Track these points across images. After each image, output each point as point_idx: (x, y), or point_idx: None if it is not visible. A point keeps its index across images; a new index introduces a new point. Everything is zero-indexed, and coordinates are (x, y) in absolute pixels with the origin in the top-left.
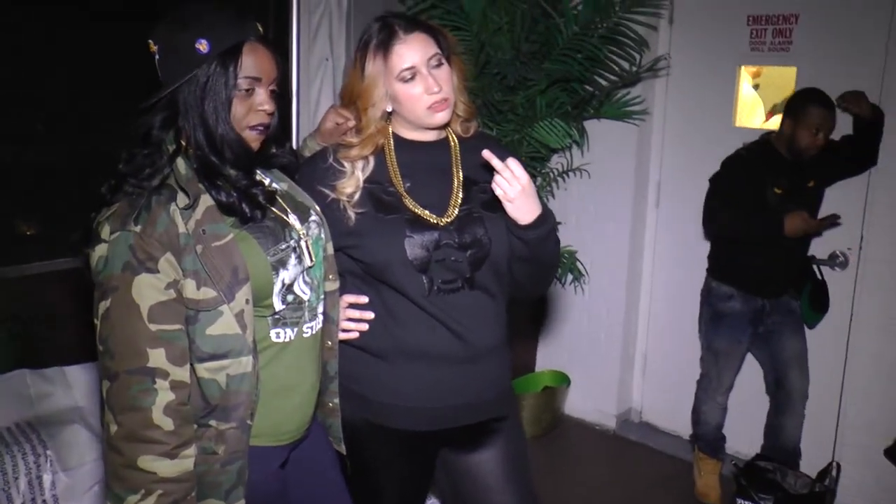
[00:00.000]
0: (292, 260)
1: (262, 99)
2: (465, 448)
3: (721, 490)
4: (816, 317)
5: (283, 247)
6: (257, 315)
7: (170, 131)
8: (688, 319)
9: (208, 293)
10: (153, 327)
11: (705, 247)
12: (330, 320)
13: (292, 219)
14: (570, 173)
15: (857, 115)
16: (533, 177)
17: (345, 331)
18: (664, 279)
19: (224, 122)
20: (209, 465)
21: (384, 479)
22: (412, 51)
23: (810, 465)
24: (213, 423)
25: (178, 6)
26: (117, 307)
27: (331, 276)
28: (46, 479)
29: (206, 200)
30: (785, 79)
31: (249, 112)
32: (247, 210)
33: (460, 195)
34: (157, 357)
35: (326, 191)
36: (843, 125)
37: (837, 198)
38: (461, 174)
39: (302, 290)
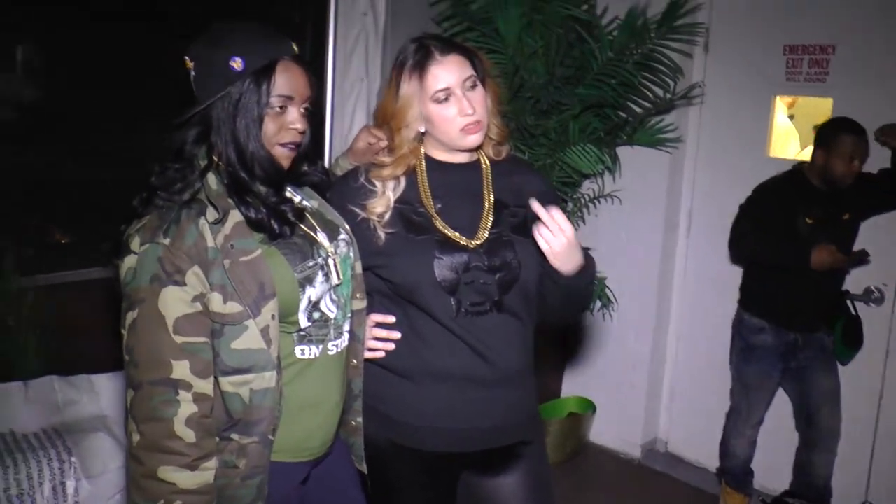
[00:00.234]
0: (319, 277)
1: (294, 117)
2: (489, 472)
3: None
4: (850, 353)
5: (311, 264)
6: (283, 331)
7: (202, 147)
8: (717, 349)
9: (234, 307)
10: (178, 339)
11: (736, 277)
12: (356, 339)
13: (321, 236)
14: (602, 199)
15: (895, 148)
16: (564, 202)
17: (371, 350)
18: (694, 308)
19: (255, 139)
20: (229, 478)
21: (406, 499)
22: (448, 72)
23: None
24: (235, 436)
25: (214, 25)
26: (144, 318)
27: (358, 295)
28: (70, 485)
29: (235, 216)
30: (820, 110)
31: (281, 130)
32: (275, 226)
33: (491, 218)
34: (180, 369)
35: (357, 210)
36: (882, 159)
37: (873, 232)
38: (492, 197)
39: (328, 308)
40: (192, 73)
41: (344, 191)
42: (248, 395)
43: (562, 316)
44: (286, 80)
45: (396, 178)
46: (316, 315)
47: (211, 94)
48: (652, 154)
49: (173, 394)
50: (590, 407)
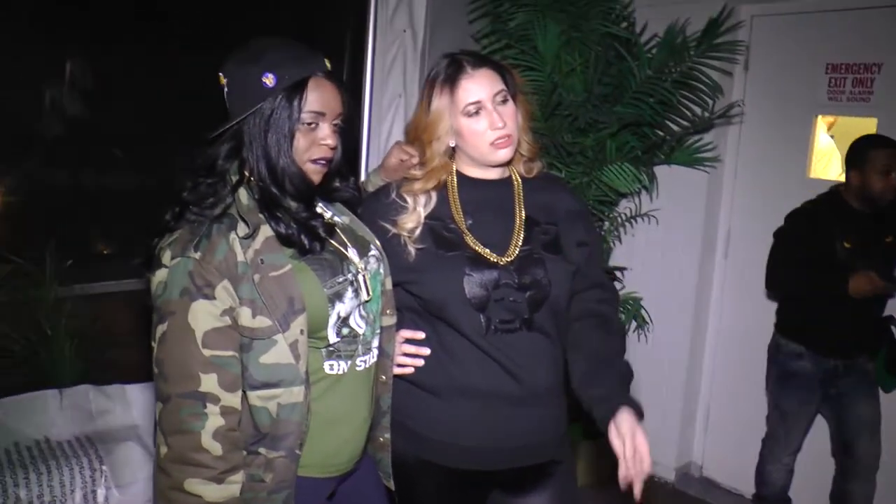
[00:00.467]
0: (349, 293)
1: (326, 133)
2: (517, 491)
3: None
4: (893, 381)
5: (341, 280)
6: (311, 346)
7: (234, 162)
8: (754, 373)
9: (263, 322)
10: (207, 352)
11: (774, 300)
12: (385, 355)
13: (351, 252)
14: (638, 219)
15: None
16: (600, 221)
17: (400, 366)
18: (730, 331)
19: (286, 155)
20: (256, 492)
21: None
22: (479, 85)
23: None
24: (262, 450)
25: (249, 41)
26: (173, 331)
27: (388, 311)
28: (100, 493)
29: (265, 231)
30: (863, 130)
31: (312, 146)
32: (305, 242)
33: (522, 235)
34: (209, 382)
35: (388, 226)
36: None
37: None
38: (523, 214)
39: (357, 324)
40: (226, 90)
41: (375, 207)
42: (275, 410)
43: None
44: (318, 97)
45: (427, 192)
46: (345, 331)
47: (243, 110)
48: (690, 174)
49: (201, 407)
50: None
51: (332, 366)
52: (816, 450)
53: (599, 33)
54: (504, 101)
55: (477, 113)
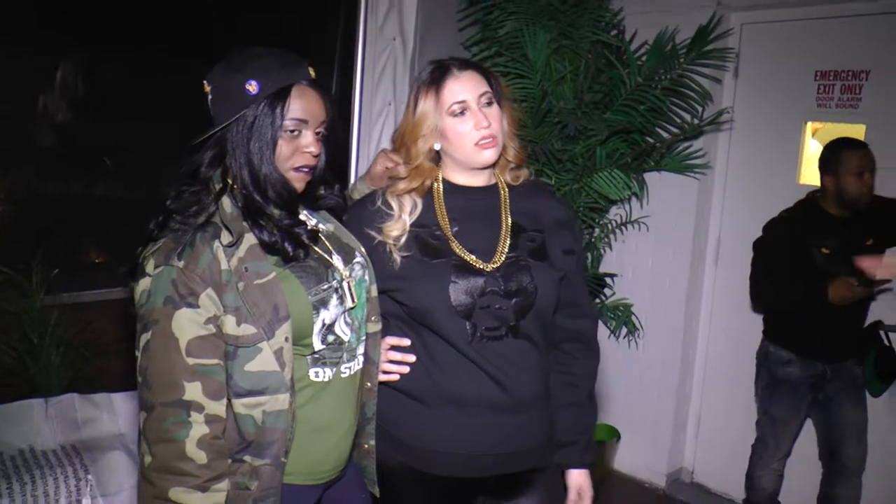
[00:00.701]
0: (334, 300)
1: (308, 141)
2: (504, 497)
3: None
4: (882, 386)
5: (325, 287)
6: (296, 353)
7: (217, 169)
8: (744, 379)
9: (248, 329)
10: (191, 361)
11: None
12: (370, 361)
13: (336, 259)
14: (629, 225)
15: None
16: (590, 228)
17: (385, 372)
18: (721, 337)
19: (268, 162)
20: (242, 500)
21: None
22: (464, 86)
23: None
24: (247, 458)
25: (234, 50)
26: (157, 340)
27: (373, 318)
28: (86, 502)
29: (249, 239)
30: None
31: (295, 153)
32: (289, 249)
33: (508, 241)
34: (193, 390)
35: (373, 233)
36: None
37: None
38: (510, 220)
39: (342, 331)
40: (210, 97)
41: (360, 214)
42: (260, 417)
43: None
44: (301, 104)
45: (413, 199)
46: (330, 338)
47: (226, 118)
48: (680, 180)
49: (185, 415)
50: (614, 434)
51: (317, 373)
52: (805, 454)
53: (589, 41)
54: (489, 104)
55: (462, 113)
